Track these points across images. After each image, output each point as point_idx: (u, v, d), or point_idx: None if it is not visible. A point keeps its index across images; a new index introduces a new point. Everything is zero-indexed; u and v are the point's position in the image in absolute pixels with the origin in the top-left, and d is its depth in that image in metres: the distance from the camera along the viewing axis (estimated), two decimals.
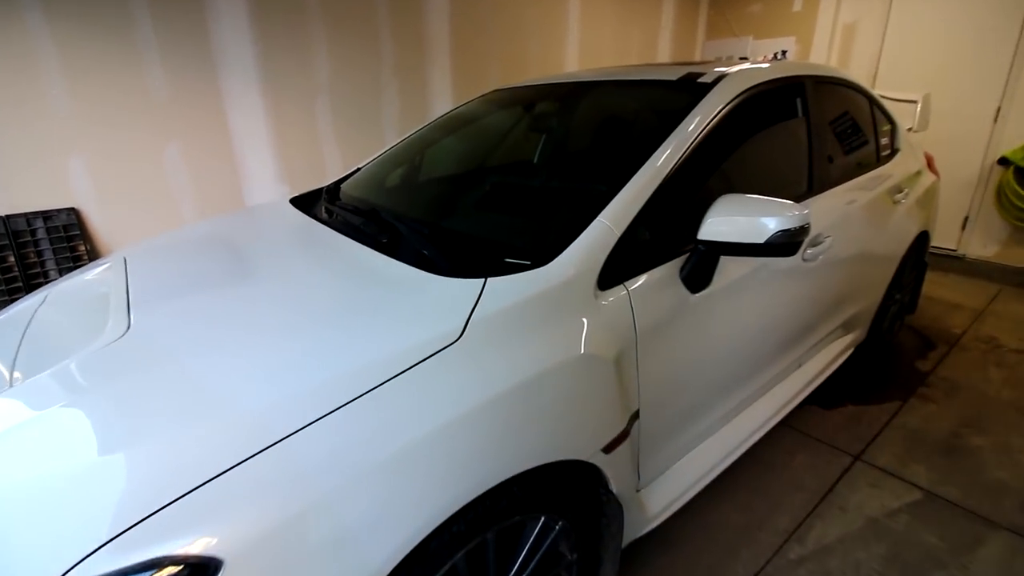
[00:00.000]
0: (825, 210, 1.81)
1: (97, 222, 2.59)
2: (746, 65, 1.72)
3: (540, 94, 2.10)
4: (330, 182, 2.08)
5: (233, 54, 2.72)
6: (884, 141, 2.44)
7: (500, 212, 1.52)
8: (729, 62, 1.83)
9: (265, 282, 1.23)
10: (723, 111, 1.45)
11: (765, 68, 1.72)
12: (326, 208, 1.75)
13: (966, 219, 4.02)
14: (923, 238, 2.66)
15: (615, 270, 1.16)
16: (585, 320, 1.07)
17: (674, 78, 1.64)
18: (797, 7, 4.48)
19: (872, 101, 2.38)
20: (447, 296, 1.03)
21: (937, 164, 2.88)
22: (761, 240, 1.17)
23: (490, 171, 1.94)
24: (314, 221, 1.60)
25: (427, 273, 1.12)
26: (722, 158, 1.50)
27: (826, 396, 2.37)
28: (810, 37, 4.44)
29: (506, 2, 3.68)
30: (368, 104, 3.23)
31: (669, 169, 1.28)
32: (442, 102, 3.52)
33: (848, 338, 2.34)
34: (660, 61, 4.80)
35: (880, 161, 2.36)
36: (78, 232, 2.53)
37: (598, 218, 1.17)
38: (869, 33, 4.17)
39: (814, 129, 1.85)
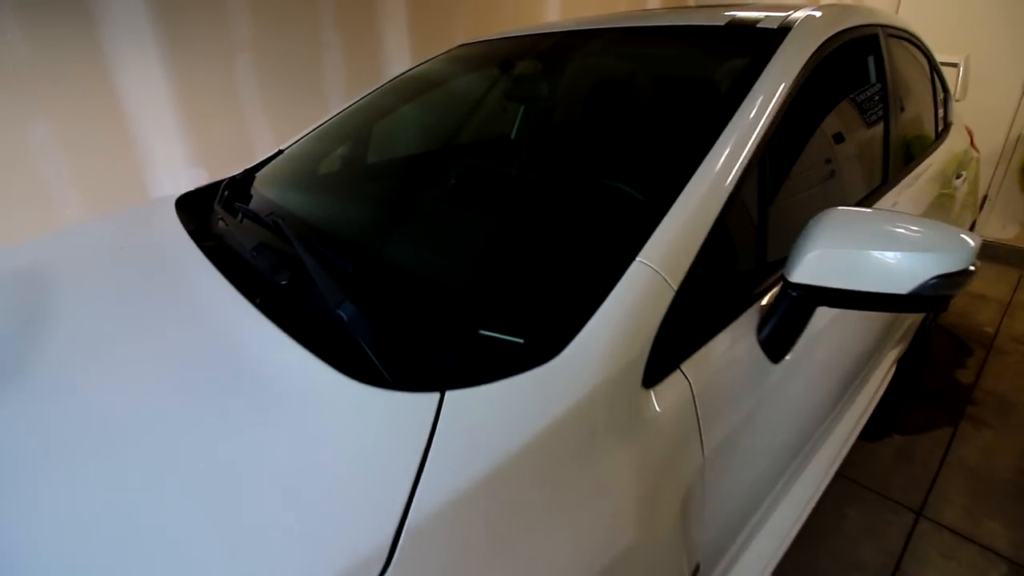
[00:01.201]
0: (904, 207, 1.36)
1: None
2: (803, 5, 1.21)
3: (526, 49, 1.55)
4: (238, 172, 1.53)
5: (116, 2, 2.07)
6: (940, 113, 2.00)
7: (463, 243, 0.95)
8: (752, 5, 1.31)
9: (46, 399, 0.69)
10: (803, 72, 0.95)
11: (834, 10, 1.21)
12: (220, 218, 1.21)
13: (984, 198, 3.67)
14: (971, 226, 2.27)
15: (668, 348, 0.67)
16: (629, 458, 0.60)
17: (719, 23, 1.13)
18: None
19: (932, 62, 1.92)
20: (365, 442, 0.53)
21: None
22: (905, 290, 0.70)
23: (452, 166, 1.34)
24: (193, 246, 1.05)
25: (337, 374, 0.61)
26: (802, 144, 1.02)
27: (868, 424, 1.98)
28: None
29: None
30: (305, 67, 2.62)
31: (739, 166, 0.79)
32: (399, 65, 2.92)
33: (893, 353, 1.94)
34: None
35: (938, 137, 1.92)
36: None
37: (638, 259, 0.68)
38: None
39: (891, 99, 1.38)
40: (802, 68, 0.95)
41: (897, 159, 1.42)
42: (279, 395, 0.60)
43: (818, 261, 0.74)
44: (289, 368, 0.64)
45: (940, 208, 1.79)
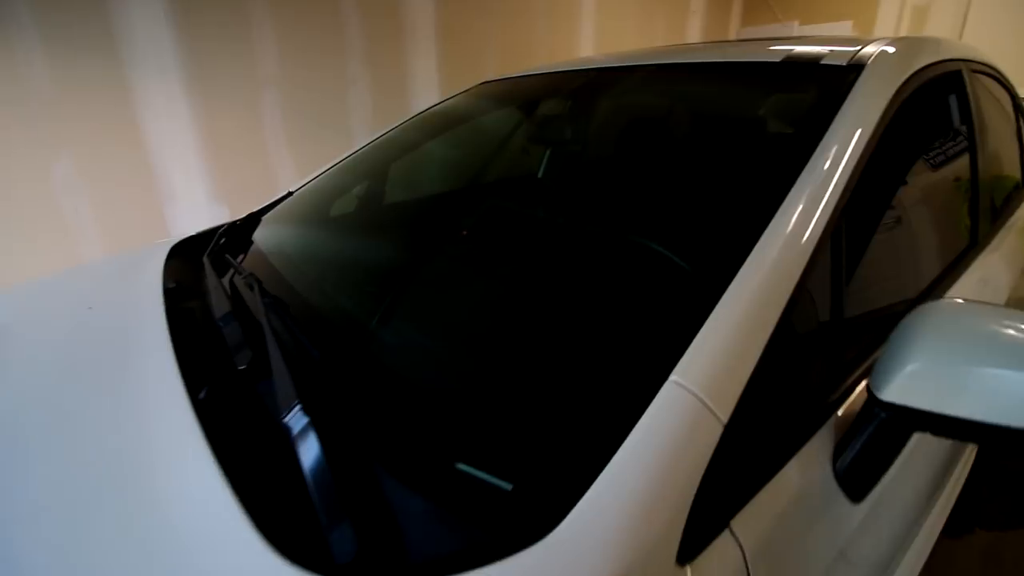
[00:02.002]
0: (997, 276, 1.14)
1: None
2: (868, 40, 1.02)
3: (556, 88, 1.40)
4: (239, 218, 1.43)
5: (143, 35, 2.07)
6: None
7: (445, 341, 0.74)
8: (801, 39, 1.13)
9: None
10: (884, 118, 0.77)
11: (911, 44, 1.02)
12: (203, 274, 1.09)
13: None
14: None
15: (713, 504, 0.49)
16: None
17: (774, 60, 0.96)
18: None
19: (1016, 100, 1.70)
20: None
21: None
22: None
23: (456, 236, 1.11)
24: (160, 311, 0.91)
25: (258, 541, 0.45)
26: (883, 206, 0.83)
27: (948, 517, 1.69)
28: (871, 20, 3.73)
29: None
30: (331, 102, 2.58)
31: (810, 236, 0.61)
32: (428, 100, 2.86)
33: None
34: None
35: (1021, 186, 1.67)
36: None
37: (672, 378, 0.50)
38: (946, 18, 3.46)
39: (978, 146, 1.17)
40: (882, 113, 0.77)
41: (986, 215, 1.20)
42: (176, 556, 0.45)
43: (918, 377, 0.55)
44: (201, 516, 0.48)
45: None
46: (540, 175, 1.37)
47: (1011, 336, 0.55)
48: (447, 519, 0.46)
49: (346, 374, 0.68)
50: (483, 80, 1.76)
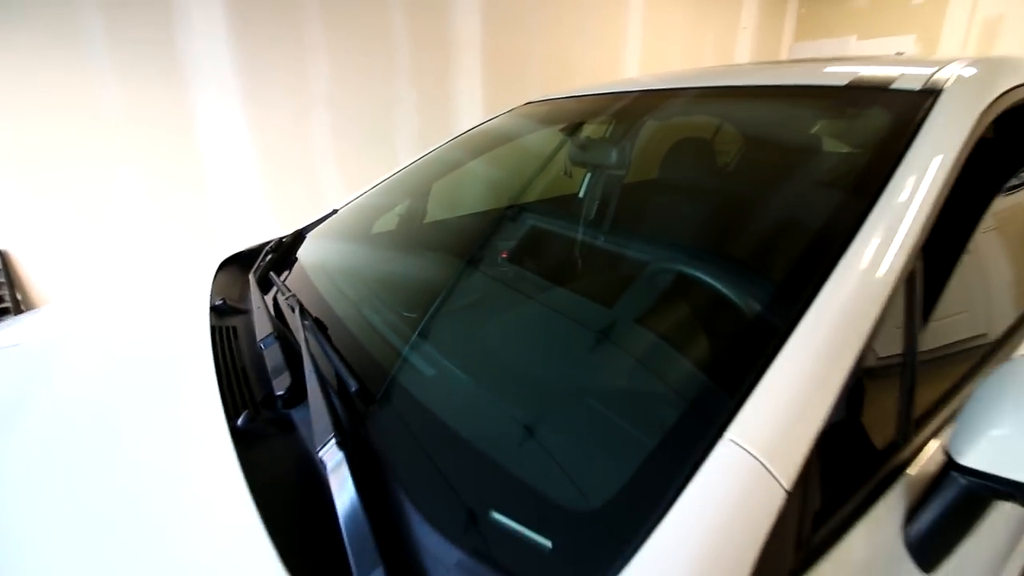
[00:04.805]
0: None
1: (30, 268, 2.08)
2: (942, 60, 0.95)
3: (600, 111, 1.37)
4: (286, 235, 1.46)
5: (205, 55, 2.17)
6: None
7: (477, 371, 0.72)
8: (866, 59, 1.07)
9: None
10: (966, 147, 0.71)
11: (992, 65, 0.94)
12: (249, 291, 1.12)
13: None
14: None
15: (774, 571, 0.45)
16: None
17: (838, 83, 0.91)
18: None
19: None
20: None
21: None
22: None
23: (498, 264, 1.09)
24: (205, 330, 0.92)
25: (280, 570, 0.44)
26: (963, 244, 0.76)
27: None
28: (936, 35, 3.55)
29: None
30: (378, 121, 2.63)
31: (885, 277, 0.56)
32: (471, 118, 2.89)
33: None
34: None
35: None
36: (3, 280, 2.03)
37: (728, 437, 0.46)
38: (1019, 31, 3.25)
39: None
40: (964, 142, 0.71)
41: None
42: None
43: (1004, 442, 0.49)
44: (229, 550, 0.48)
45: None
46: (583, 197, 1.34)
47: None
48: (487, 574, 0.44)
49: (386, 409, 0.66)
50: (527, 100, 1.76)
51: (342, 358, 0.74)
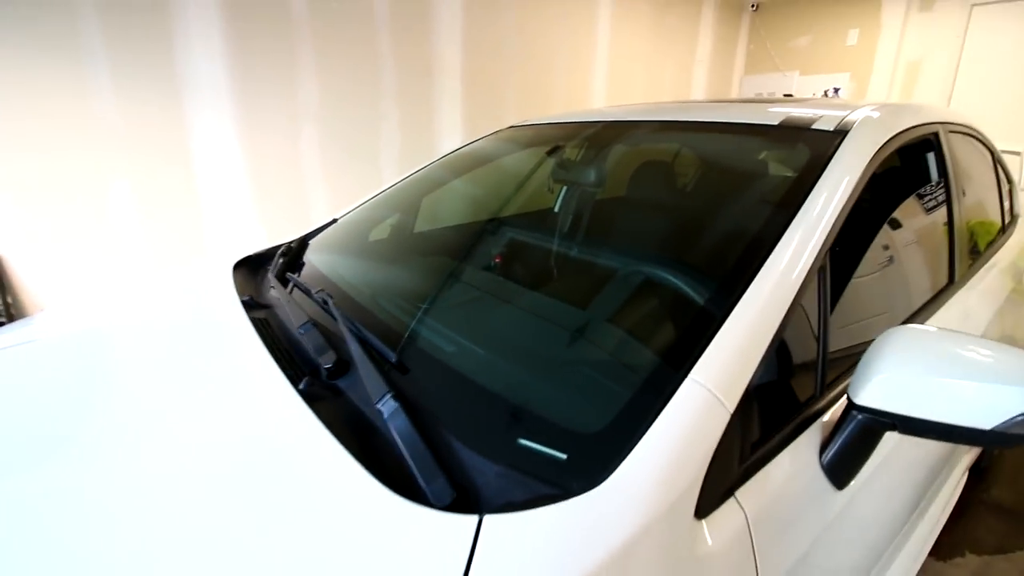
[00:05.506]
0: (976, 311, 1.29)
1: (24, 272, 2.12)
2: (856, 105, 1.19)
3: (576, 136, 1.58)
4: (294, 239, 1.59)
5: (202, 75, 2.28)
6: (1006, 205, 1.92)
7: (508, 348, 0.92)
8: (796, 101, 1.33)
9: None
10: (864, 176, 0.93)
11: (892, 111, 1.20)
12: (272, 288, 1.25)
13: None
14: None
15: (722, 475, 0.63)
16: None
17: (772, 122, 1.13)
18: (852, 40, 4.03)
19: (995, 155, 1.87)
20: (400, 561, 0.51)
21: None
22: (989, 425, 0.64)
23: (496, 258, 1.31)
24: (245, 318, 1.07)
25: (373, 482, 0.59)
26: (863, 248, 0.98)
27: (937, 540, 1.79)
28: (867, 73, 3.97)
29: (526, 26, 3.25)
30: (363, 138, 2.78)
31: (800, 272, 0.76)
32: (451, 139, 3.07)
33: (965, 459, 1.78)
34: (695, 98, 4.35)
35: (1004, 230, 1.83)
36: None
37: (691, 377, 0.65)
38: (938, 71, 3.69)
39: (953, 196, 1.33)
40: (863, 171, 0.93)
41: (963, 257, 1.35)
42: (314, 497, 0.59)
43: (887, 385, 0.69)
44: (326, 469, 0.62)
45: (1014, 305, 1.68)
46: (567, 217, 1.53)
47: (964, 355, 0.69)
48: (521, 479, 0.59)
49: (420, 372, 0.82)
50: (508, 125, 1.95)
51: (377, 337, 0.89)
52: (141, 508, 0.61)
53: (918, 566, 1.36)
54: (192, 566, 0.53)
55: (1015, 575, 1.68)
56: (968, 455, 1.75)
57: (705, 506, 0.60)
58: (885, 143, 1.03)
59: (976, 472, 1.99)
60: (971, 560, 1.74)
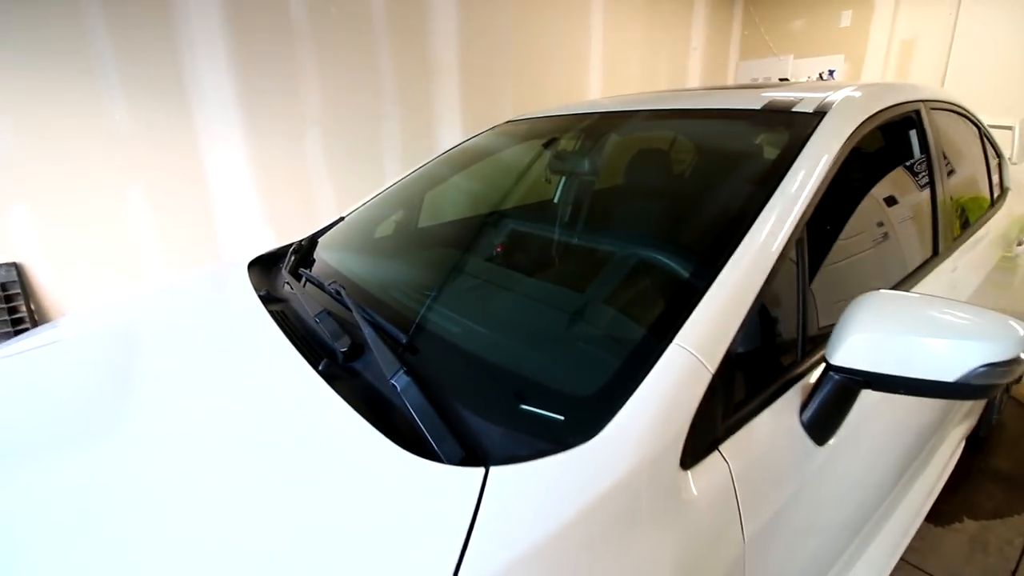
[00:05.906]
0: (963, 280, 1.34)
1: (44, 279, 2.21)
2: (842, 86, 1.25)
3: (571, 127, 1.64)
4: (304, 237, 1.66)
5: (208, 82, 2.35)
6: (995, 179, 1.96)
7: (508, 321, 1.01)
8: (787, 85, 1.38)
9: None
10: (841, 154, 0.99)
11: (872, 91, 1.25)
12: (286, 283, 1.32)
13: None
14: None
15: (706, 430, 0.69)
16: (667, 541, 0.61)
17: (756, 107, 1.19)
18: (845, 22, 4.04)
19: (981, 130, 1.91)
20: (414, 512, 0.58)
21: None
22: (951, 378, 0.70)
23: (498, 241, 1.40)
24: (263, 311, 1.14)
25: (389, 443, 0.66)
26: (841, 222, 1.04)
27: (936, 507, 1.84)
28: (861, 54, 3.99)
29: (522, 22, 3.30)
30: (366, 138, 2.84)
31: (777, 246, 0.82)
32: (451, 135, 3.13)
33: (959, 430, 1.83)
34: (691, 86, 4.39)
35: (994, 204, 1.87)
36: (19, 291, 2.14)
37: (675, 342, 0.71)
38: (932, 49, 3.70)
39: (936, 171, 1.38)
40: (839, 150, 0.98)
41: (948, 229, 1.40)
42: (339, 458, 0.66)
43: (860, 345, 0.75)
44: (348, 435, 0.69)
45: (1003, 273, 1.73)
46: (562, 200, 1.59)
47: (929, 314, 0.75)
48: (523, 438, 0.66)
49: (428, 352, 0.88)
50: (505, 119, 2.01)
51: (384, 315, 0.96)
52: (193, 464, 0.68)
53: (913, 530, 1.42)
54: (237, 512, 0.60)
55: (1012, 537, 1.73)
56: (962, 425, 1.80)
57: (690, 458, 0.66)
58: (864, 121, 1.08)
59: (974, 442, 2.04)
60: (969, 525, 1.79)
